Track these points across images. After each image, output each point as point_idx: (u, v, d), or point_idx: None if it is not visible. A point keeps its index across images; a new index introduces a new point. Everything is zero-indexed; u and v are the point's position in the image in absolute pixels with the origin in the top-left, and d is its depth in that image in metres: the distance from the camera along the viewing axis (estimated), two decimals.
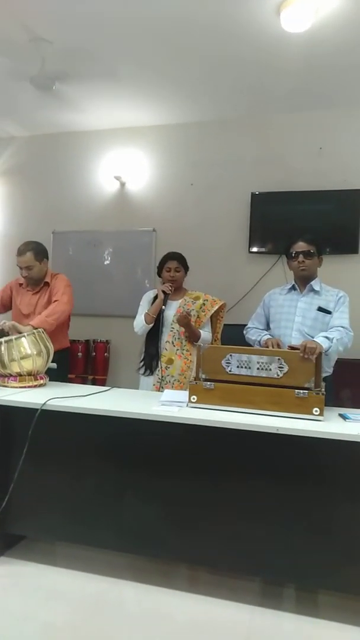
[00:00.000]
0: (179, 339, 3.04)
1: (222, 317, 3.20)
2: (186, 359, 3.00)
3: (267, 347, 2.57)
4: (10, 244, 4.85)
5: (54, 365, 2.85)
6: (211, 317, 3.12)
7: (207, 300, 3.12)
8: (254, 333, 2.82)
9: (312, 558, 2.10)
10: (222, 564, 2.27)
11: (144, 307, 3.14)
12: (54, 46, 3.38)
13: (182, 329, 3.01)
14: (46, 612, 2.12)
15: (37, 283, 3.21)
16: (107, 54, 3.50)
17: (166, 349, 3.03)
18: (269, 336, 2.73)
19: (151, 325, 3.05)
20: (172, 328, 3.05)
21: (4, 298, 3.31)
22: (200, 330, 3.04)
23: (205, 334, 3.07)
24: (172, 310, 3.07)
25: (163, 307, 3.02)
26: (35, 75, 3.64)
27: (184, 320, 2.93)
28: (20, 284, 3.28)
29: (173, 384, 2.98)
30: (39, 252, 3.14)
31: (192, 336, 3.02)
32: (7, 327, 2.80)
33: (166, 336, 3.05)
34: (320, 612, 2.16)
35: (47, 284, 3.20)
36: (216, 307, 3.10)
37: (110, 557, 2.46)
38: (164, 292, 3.04)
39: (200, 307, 3.08)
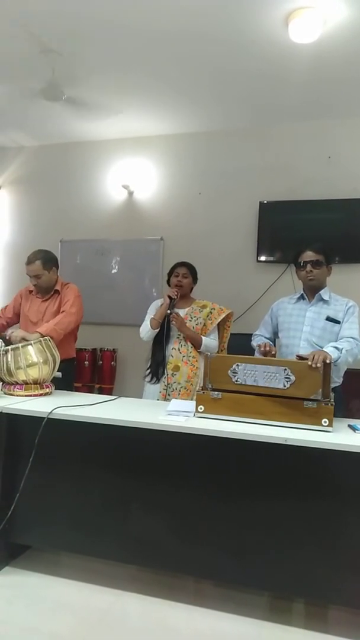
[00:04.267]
0: (185, 345, 3.03)
1: (228, 327, 3.18)
2: (192, 365, 2.99)
3: (260, 348, 2.58)
4: (19, 252, 4.86)
5: (59, 374, 2.84)
6: (218, 326, 3.11)
7: (214, 308, 3.12)
8: (258, 340, 2.82)
9: (321, 572, 2.06)
10: (229, 577, 2.23)
11: (150, 315, 3.14)
12: (64, 57, 3.42)
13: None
14: (50, 624, 2.10)
15: (47, 291, 3.22)
16: (116, 64, 3.53)
17: (172, 356, 3.02)
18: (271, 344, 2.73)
19: (157, 330, 3.04)
20: (179, 335, 3.04)
21: (16, 307, 3.32)
22: (205, 337, 3.04)
23: (211, 341, 3.06)
24: None
25: (168, 311, 3.01)
26: (45, 86, 3.68)
27: (177, 321, 2.95)
28: (30, 291, 3.29)
29: (180, 391, 2.96)
30: (48, 260, 3.16)
31: (191, 341, 3.01)
32: (15, 337, 2.79)
33: (172, 343, 3.04)
34: (329, 628, 2.12)
35: (57, 292, 3.21)
36: (223, 316, 3.10)
37: (115, 569, 2.43)
38: (169, 297, 3.04)
39: (207, 315, 3.08)
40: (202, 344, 3.01)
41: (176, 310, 3.05)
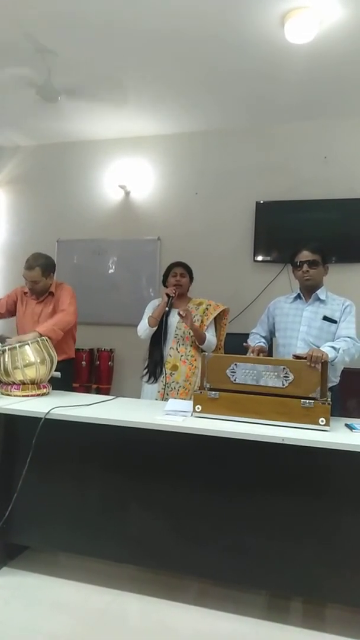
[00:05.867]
0: (183, 344, 3.03)
1: (225, 325, 3.19)
2: (191, 364, 3.00)
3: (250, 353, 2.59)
4: (15, 252, 4.87)
5: (58, 374, 2.84)
6: (215, 324, 3.12)
7: (210, 305, 3.13)
8: (253, 339, 2.83)
9: (319, 571, 2.06)
10: (228, 577, 2.24)
11: (148, 314, 3.14)
12: (60, 57, 3.41)
13: (187, 334, 3.02)
14: (49, 624, 2.10)
15: (42, 293, 3.22)
16: (112, 64, 3.52)
17: (170, 355, 3.03)
18: (262, 344, 2.74)
19: (154, 328, 3.05)
20: (176, 334, 3.05)
21: (9, 303, 3.33)
22: (206, 333, 3.03)
23: (212, 337, 3.06)
24: (175, 317, 3.06)
25: (166, 308, 3.01)
26: (41, 86, 3.67)
27: (186, 316, 2.90)
28: (25, 292, 3.29)
29: (178, 390, 2.96)
30: (47, 267, 3.16)
31: (196, 335, 3.00)
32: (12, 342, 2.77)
33: (170, 342, 3.05)
34: (327, 626, 2.12)
35: (51, 293, 3.21)
36: (219, 311, 3.11)
37: (114, 569, 2.43)
38: (167, 295, 3.04)
39: (204, 312, 3.09)
40: (205, 340, 3.00)
41: (174, 309, 3.05)
